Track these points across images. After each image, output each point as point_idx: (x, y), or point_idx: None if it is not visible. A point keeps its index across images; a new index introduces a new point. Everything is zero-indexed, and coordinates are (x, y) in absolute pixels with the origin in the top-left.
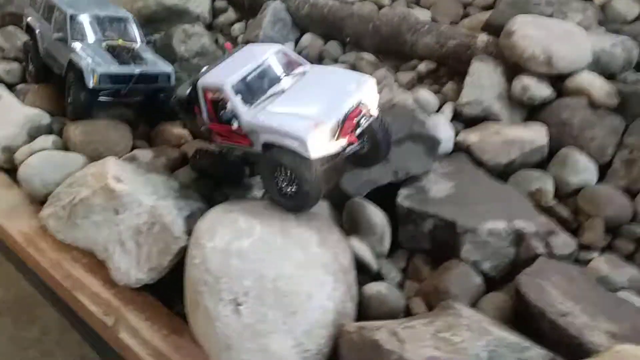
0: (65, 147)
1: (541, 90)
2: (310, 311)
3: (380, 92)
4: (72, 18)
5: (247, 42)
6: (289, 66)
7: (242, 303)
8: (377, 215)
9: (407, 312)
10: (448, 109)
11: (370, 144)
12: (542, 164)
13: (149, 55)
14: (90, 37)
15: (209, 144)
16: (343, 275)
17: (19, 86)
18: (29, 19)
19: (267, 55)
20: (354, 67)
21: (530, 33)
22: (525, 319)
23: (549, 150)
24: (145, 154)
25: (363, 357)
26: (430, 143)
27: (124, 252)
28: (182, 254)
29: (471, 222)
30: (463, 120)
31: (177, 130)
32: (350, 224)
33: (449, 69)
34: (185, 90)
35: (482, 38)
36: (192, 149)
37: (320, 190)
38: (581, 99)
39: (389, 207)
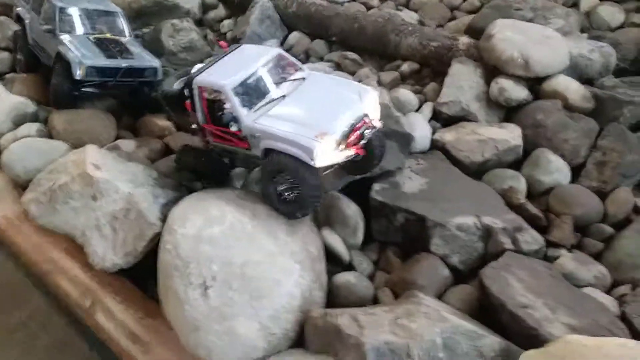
0: (50, 135)
1: (517, 92)
2: (277, 297)
3: None
4: (61, 10)
5: (235, 39)
6: (288, 71)
7: (210, 287)
8: (350, 208)
9: (375, 302)
10: (427, 109)
11: (366, 152)
12: (517, 164)
13: (136, 49)
14: (79, 29)
15: (192, 139)
16: (311, 264)
17: (8, 75)
18: (18, 9)
19: (267, 58)
20: (338, 66)
21: (509, 36)
22: (488, 310)
23: (524, 151)
24: (128, 144)
25: (326, 342)
26: (404, 140)
27: (101, 237)
28: (157, 240)
29: (441, 216)
30: (441, 120)
31: (161, 122)
32: (325, 216)
33: (432, 69)
34: (171, 85)
35: (464, 40)
36: (175, 142)
37: (320, 197)
38: (556, 102)
39: (364, 201)
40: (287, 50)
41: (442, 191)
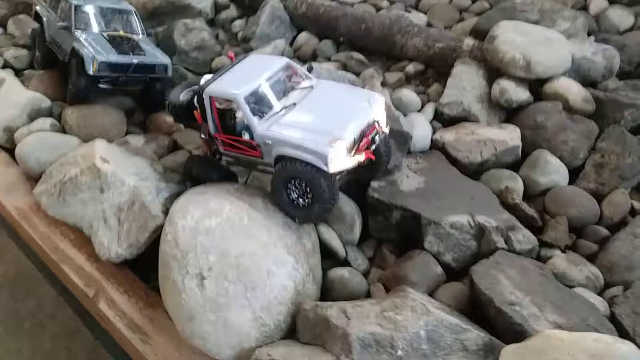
0: (63, 130)
1: (518, 93)
2: (270, 288)
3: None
4: (77, 8)
5: (245, 38)
6: (296, 79)
7: (206, 277)
8: (347, 205)
9: (368, 297)
10: (430, 109)
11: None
12: (517, 165)
13: (148, 46)
14: (94, 27)
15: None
16: (305, 257)
17: (26, 72)
18: (37, 7)
19: (275, 68)
20: (344, 66)
21: (512, 38)
22: (477, 306)
23: (524, 152)
24: (137, 139)
25: (316, 333)
26: (402, 138)
27: (106, 229)
28: (159, 232)
29: (435, 214)
30: (443, 120)
31: (170, 118)
32: None
33: (436, 70)
34: (177, 96)
35: (468, 42)
36: (183, 138)
37: (335, 202)
38: (556, 104)
39: (363, 199)
40: (296, 51)
41: (438, 190)
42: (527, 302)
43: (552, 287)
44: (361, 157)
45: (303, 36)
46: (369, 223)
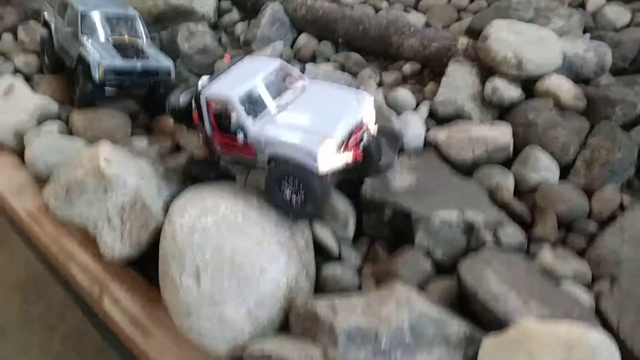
0: (70, 133)
1: (510, 91)
2: (263, 283)
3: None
4: (83, 15)
5: (247, 41)
6: (289, 80)
7: (202, 273)
8: (341, 203)
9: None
10: (424, 108)
11: (364, 157)
12: (508, 162)
13: (152, 51)
14: (100, 32)
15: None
16: (298, 254)
17: (36, 77)
18: (45, 14)
19: (270, 69)
20: (343, 67)
21: (504, 37)
22: (464, 300)
23: (516, 149)
24: (140, 142)
25: (307, 326)
26: (394, 137)
27: (110, 228)
28: (159, 230)
29: (425, 211)
30: (438, 119)
31: (171, 120)
32: None
33: (432, 70)
34: (178, 99)
35: (463, 41)
36: (185, 140)
37: (328, 199)
38: (547, 101)
39: (358, 197)
40: (296, 52)
41: (429, 187)
42: (513, 295)
43: (538, 281)
44: (349, 155)
45: (303, 38)
46: (363, 221)
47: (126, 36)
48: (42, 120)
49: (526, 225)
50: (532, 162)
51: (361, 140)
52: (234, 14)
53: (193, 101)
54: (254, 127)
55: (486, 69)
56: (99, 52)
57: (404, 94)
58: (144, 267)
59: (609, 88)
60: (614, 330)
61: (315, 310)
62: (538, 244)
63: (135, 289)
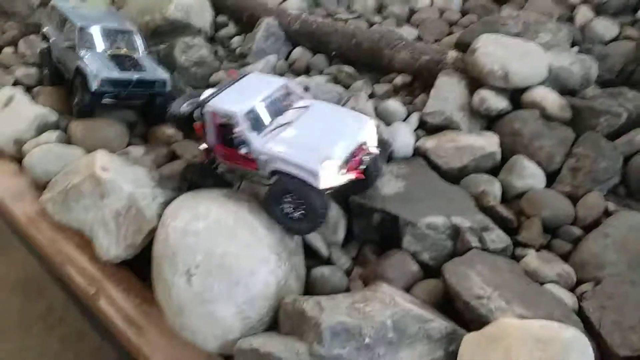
0: (69, 142)
1: (497, 102)
2: (252, 284)
3: (348, 100)
4: (81, 29)
5: (242, 54)
6: (293, 99)
7: (193, 274)
8: (332, 209)
9: None
10: (414, 118)
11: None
12: (496, 170)
13: (148, 63)
14: (98, 46)
15: (196, 146)
16: (287, 256)
17: (36, 88)
18: (45, 28)
19: (274, 87)
20: (335, 79)
21: (491, 51)
22: (449, 301)
23: (503, 158)
24: (137, 150)
25: (294, 324)
26: (382, 146)
27: (106, 232)
28: (153, 234)
29: (412, 216)
30: (427, 129)
31: (169, 130)
32: None
33: (423, 81)
34: (179, 108)
35: (452, 54)
36: (181, 149)
37: (326, 215)
38: (534, 112)
39: (348, 203)
40: (291, 65)
41: (417, 194)
42: (495, 296)
43: (522, 283)
44: (351, 176)
45: (297, 51)
46: (352, 225)
47: (124, 49)
48: (41, 129)
49: (512, 231)
50: (518, 170)
51: (362, 162)
52: (230, 28)
53: (196, 112)
54: (257, 143)
55: (474, 81)
56: (96, 65)
57: (394, 105)
58: (138, 268)
59: (594, 99)
60: (595, 329)
61: (303, 308)
62: (523, 248)
63: (130, 289)
